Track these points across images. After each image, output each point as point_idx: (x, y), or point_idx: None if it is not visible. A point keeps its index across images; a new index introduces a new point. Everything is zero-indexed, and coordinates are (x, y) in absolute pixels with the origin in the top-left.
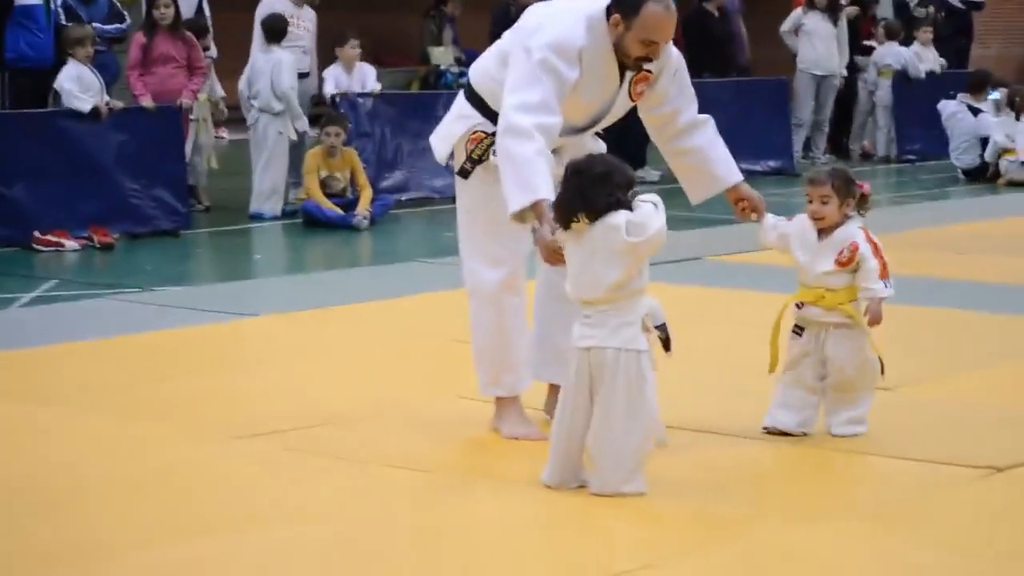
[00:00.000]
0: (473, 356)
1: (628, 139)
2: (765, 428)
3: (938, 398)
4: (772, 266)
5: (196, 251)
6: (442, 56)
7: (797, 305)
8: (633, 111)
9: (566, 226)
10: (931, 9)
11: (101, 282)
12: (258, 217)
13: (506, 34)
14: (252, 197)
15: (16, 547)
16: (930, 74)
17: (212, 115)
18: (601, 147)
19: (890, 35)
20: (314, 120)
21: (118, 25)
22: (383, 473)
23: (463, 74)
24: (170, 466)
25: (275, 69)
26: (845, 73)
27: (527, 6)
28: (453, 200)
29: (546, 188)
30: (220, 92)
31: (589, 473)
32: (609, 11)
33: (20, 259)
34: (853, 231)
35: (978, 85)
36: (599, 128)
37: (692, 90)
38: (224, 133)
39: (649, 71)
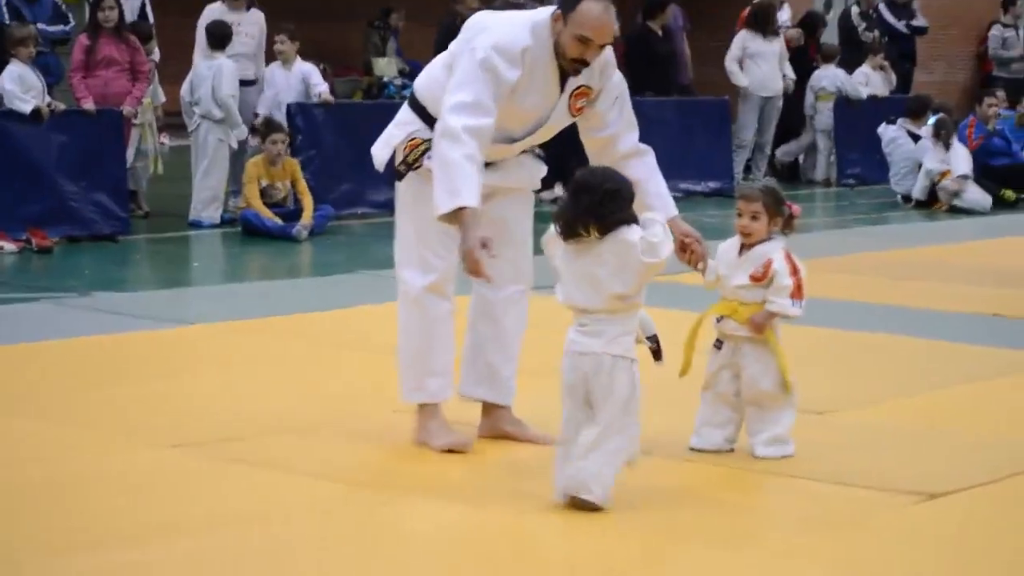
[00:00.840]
0: (398, 361)
1: (573, 154)
2: (692, 448)
3: (871, 423)
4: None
5: (135, 257)
6: (386, 67)
7: (718, 319)
8: (572, 130)
9: (571, 238)
10: (877, 33)
11: (38, 285)
12: (197, 225)
13: (453, 42)
14: (191, 204)
15: None
16: (871, 98)
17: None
18: (542, 167)
19: (827, 58)
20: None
21: (61, 27)
22: (316, 484)
23: (406, 86)
24: (102, 473)
25: (216, 76)
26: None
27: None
28: (390, 213)
29: (471, 195)
30: (162, 98)
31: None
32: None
33: None
34: (772, 248)
35: (918, 110)
36: (536, 142)
37: (634, 118)
38: (165, 139)
39: (589, 87)
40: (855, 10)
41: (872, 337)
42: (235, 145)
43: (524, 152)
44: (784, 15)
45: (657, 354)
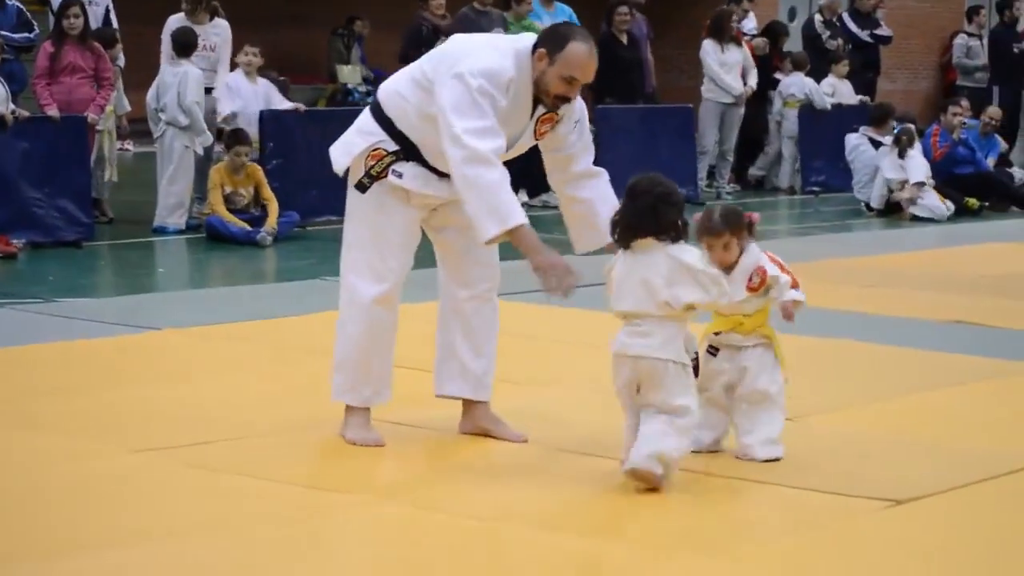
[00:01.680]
0: (334, 362)
1: (535, 164)
2: None
3: (839, 429)
4: None
5: (99, 263)
6: (350, 74)
7: (715, 333)
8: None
9: (628, 245)
10: (840, 42)
11: (1, 291)
12: (162, 231)
13: (423, 59)
14: (156, 211)
15: None
16: (836, 107)
17: (117, 127)
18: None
19: (796, 66)
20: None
21: (26, 34)
22: (282, 489)
23: (371, 93)
24: (67, 479)
25: (182, 83)
26: (753, 88)
27: (438, 26)
28: None
29: (521, 213)
30: (127, 106)
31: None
32: (535, 47)
33: None
34: (756, 256)
35: (880, 118)
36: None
37: (591, 140)
38: (129, 145)
39: (554, 113)
40: (818, 19)
41: (837, 344)
42: (200, 152)
43: None
44: (749, 24)
45: (696, 371)
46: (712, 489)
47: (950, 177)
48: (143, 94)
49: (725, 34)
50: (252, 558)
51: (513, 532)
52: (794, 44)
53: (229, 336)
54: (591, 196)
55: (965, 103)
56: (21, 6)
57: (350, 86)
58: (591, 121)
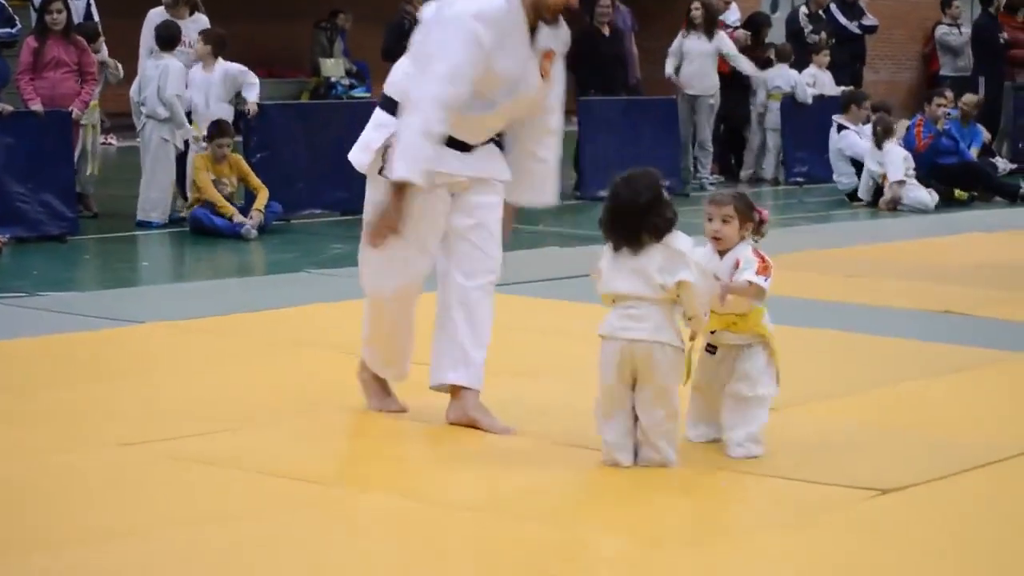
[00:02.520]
0: (363, 336)
1: None
2: (689, 440)
3: (823, 420)
4: None
5: (83, 257)
6: (333, 68)
7: (711, 332)
8: None
9: (620, 249)
10: (824, 35)
11: None
12: (145, 225)
13: (415, 34)
14: (139, 204)
15: None
16: (818, 97)
17: (101, 121)
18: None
19: (781, 58)
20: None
21: (8, 30)
22: (268, 481)
23: (354, 86)
24: (51, 472)
25: (163, 76)
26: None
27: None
28: (340, 213)
29: (417, 172)
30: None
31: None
32: None
33: None
34: (741, 249)
35: (846, 104)
36: (516, 113)
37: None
38: (113, 140)
39: (553, 51)
40: (803, 11)
41: (823, 334)
42: (181, 145)
43: (493, 141)
44: (732, 15)
45: (712, 348)
46: (697, 480)
47: (935, 167)
48: (124, 88)
49: (693, 25)
50: (239, 551)
51: (502, 523)
52: (776, 35)
53: (213, 329)
54: (551, 158)
55: (949, 94)
56: (3, 2)
57: (333, 79)
58: (573, 113)
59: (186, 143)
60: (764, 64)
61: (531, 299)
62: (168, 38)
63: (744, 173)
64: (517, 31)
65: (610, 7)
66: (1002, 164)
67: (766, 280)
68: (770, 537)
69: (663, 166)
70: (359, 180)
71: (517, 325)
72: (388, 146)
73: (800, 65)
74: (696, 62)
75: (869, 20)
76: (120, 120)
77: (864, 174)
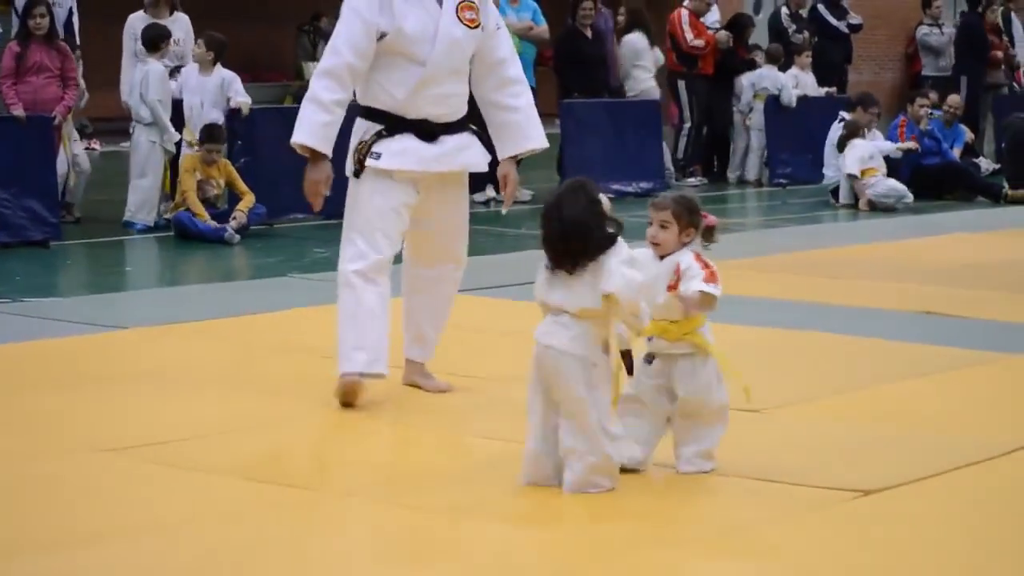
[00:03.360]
0: (337, 337)
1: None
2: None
3: (806, 420)
4: None
5: (66, 262)
6: None
7: (648, 339)
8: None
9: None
10: (806, 34)
11: None
12: (130, 226)
13: None
14: (126, 206)
15: None
16: (801, 98)
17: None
18: (483, 152)
19: (771, 59)
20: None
21: None
22: (249, 487)
23: None
24: (31, 479)
25: (144, 80)
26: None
27: None
28: (324, 217)
29: (310, 135)
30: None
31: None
32: None
33: None
34: (681, 254)
35: (855, 103)
36: (451, 64)
37: (515, 50)
38: (96, 145)
39: (470, 1)
40: (784, 11)
41: (806, 335)
42: (172, 148)
43: (464, 132)
44: (713, 16)
45: (630, 370)
46: (679, 482)
47: (918, 168)
48: (107, 93)
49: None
50: (219, 556)
51: (480, 527)
52: (759, 37)
53: (196, 334)
54: (523, 104)
55: (933, 95)
56: None
57: None
58: (556, 115)
59: (178, 146)
60: (749, 65)
61: (513, 302)
62: (153, 40)
63: (732, 174)
64: None
65: (592, 9)
66: (985, 164)
67: (716, 288)
68: (751, 538)
69: (646, 167)
70: (342, 183)
71: (499, 328)
72: (359, 146)
73: (783, 66)
74: (646, 68)
75: (855, 19)
76: (101, 125)
77: (842, 176)
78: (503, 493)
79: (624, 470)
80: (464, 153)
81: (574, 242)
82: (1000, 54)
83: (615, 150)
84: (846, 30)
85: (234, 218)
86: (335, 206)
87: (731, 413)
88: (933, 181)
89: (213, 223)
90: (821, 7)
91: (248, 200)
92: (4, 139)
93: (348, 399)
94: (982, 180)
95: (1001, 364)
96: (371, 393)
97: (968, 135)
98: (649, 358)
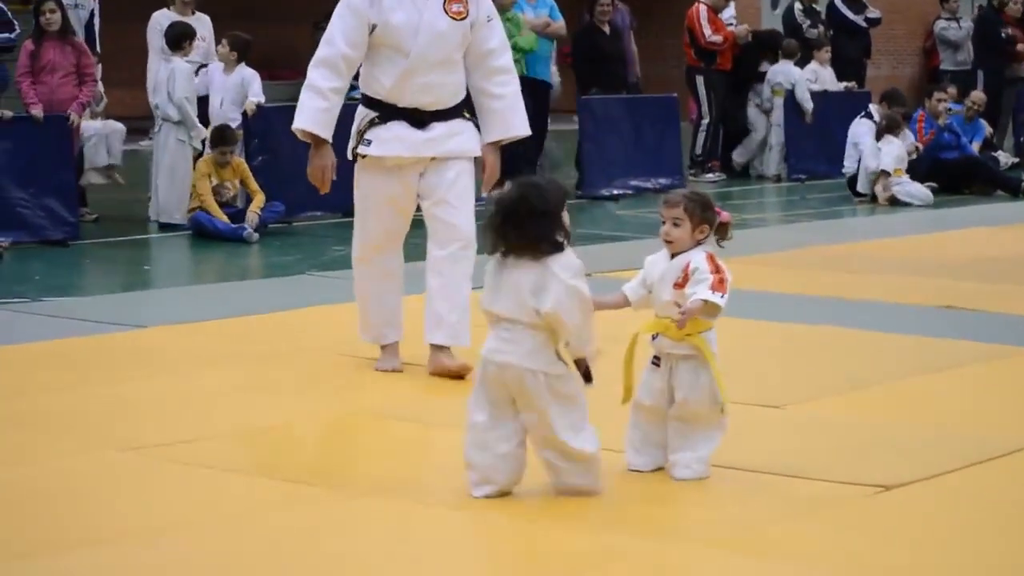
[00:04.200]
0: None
1: (524, 161)
2: (632, 469)
3: (827, 416)
4: None
5: (85, 262)
6: None
7: (653, 337)
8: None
9: (496, 252)
10: (821, 29)
11: None
12: (167, 227)
13: None
14: (158, 206)
15: None
16: (820, 93)
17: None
18: (476, 135)
19: (787, 55)
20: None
21: (6, 35)
22: (269, 485)
23: (352, 87)
24: (51, 477)
25: (171, 79)
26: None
27: None
28: (342, 215)
29: (309, 120)
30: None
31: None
32: None
33: None
34: (693, 254)
35: (884, 98)
36: (435, 56)
37: (507, 41)
38: None
39: None
40: (798, 7)
41: (826, 330)
42: (199, 146)
43: (457, 119)
44: (728, 12)
45: (587, 376)
46: (700, 480)
47: (936, 162)
48: (127, 92)
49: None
50: (239, 554)
51: (500, 523)
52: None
53: (215, 333)
54: (508, 92)
55: (952, 89)
56: (2, 6)
57: None
58: (574, 112)
59: (204, 143)
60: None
61: None
62: (176, 38)
63: (738, 159)
64: None
65: (610, 5)
66: (1004, 158)
67: (722, 297)
68: (772, 534)
69: (664, 163)
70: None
71: None
72: (359, 131)
73: (800, 62)
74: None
75: (873, 13)
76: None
77: (861, 167)
78: (524, 489)
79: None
80: (455, 139)
81: (540, 225)
82: (1023, 47)
83: (633, 146)
84: (864, 24)
85: (247, 220)
86: (349, 204)
87: (751, 409)
88: (952, 175)
89: (230, 223)
90: (838, 1)
91: (259, 200)
92: (22, 139)
93: (384, 369)
94: (1001, 174)
95: (1022, 358)
96: (384, 392)
97: (987, 129)
98: (656, 360)
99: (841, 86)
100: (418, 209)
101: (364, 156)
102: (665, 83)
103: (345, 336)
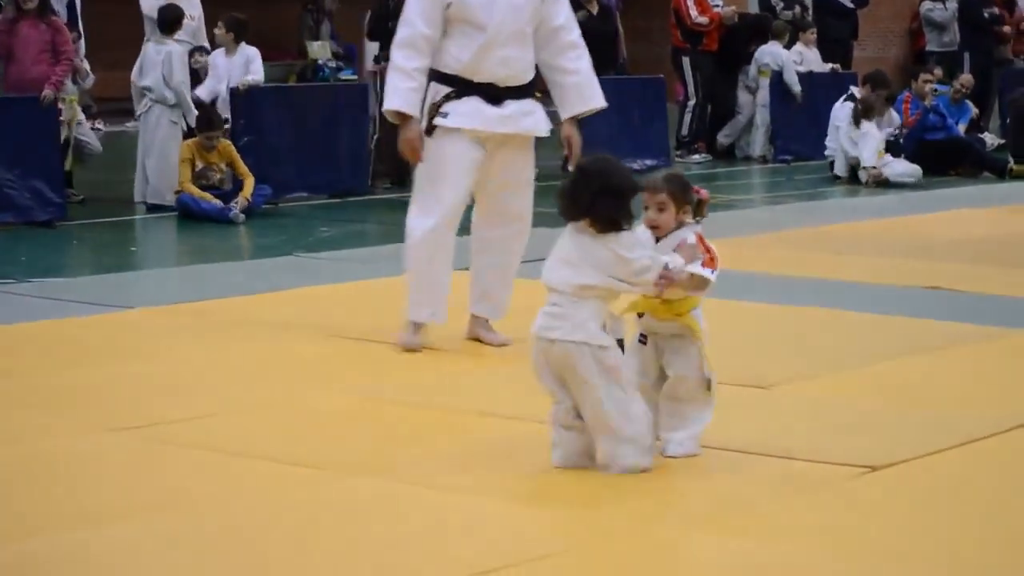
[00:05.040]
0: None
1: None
2: None
3: (814, 396)
4: None
5: (72, 243)
6: (320, 50)
7: (639, 315)
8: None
9: (572, 219)
10: (798, 10)
11: None
12: (155, 207)
13: None
14: (149, 187)
15: None
16: (806, 74)
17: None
18: (545, 117)
19: (776, 36)
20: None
21: None
22: (257, 466)
23: (340, 68)
24: (41, 457)
25: (166, 63)
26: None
27: (404, 1)
28: (327, 196)
29: (398, 99)
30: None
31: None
32: None
33: None
34: (683, 233)
35: (867, 80)
36: (515, 25)
37: (574, 18)
38: (101, 125)
39: None
40: None
41: (813, 311)
42: (192, 122)
43: (528, 98)
44: None
45: (643, 338)
46: (689, 460)
47: (922, 143)
48: (110, 73)
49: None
50: (227, 534)
51: (492, 506)
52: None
53: (202, 314)
54: (583, 67)
55: (938, 71)
56: None
57: (320, 62)
58: None
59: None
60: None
61: (522, 281)
62: (170, 21)
63: (720, 137)
64: None
65: None
66: (990, 139)
67: (713, 273)
68: (761, 514)
69: (651, 144)
70: (346, 162)
71: (514, 306)
72: (430, 108)
73: (788, 43)
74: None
75: None
76: (107, 105)
77: (839, 152)
78: (518, 471)
79: None
80: (528, 118)
81: (599, 201)
82: (1009, 29)
83: (620, 127)
84: (851, 5)
85: (235, 204)
86: (339, 184)
87: (737, 389)
88: (938, 156)
89: (218, 202)
90: None
91: (249, 184)
92: (7, 119)
93: (411, 347)
94: (987, 155)
95: (1008, 339)
96: (382, 373)
97: (974, 111)
98: (643, 338)
99: (827, 67)
100: None
101: (440, 128)
102: (652, 64)
103: (333, 316)
